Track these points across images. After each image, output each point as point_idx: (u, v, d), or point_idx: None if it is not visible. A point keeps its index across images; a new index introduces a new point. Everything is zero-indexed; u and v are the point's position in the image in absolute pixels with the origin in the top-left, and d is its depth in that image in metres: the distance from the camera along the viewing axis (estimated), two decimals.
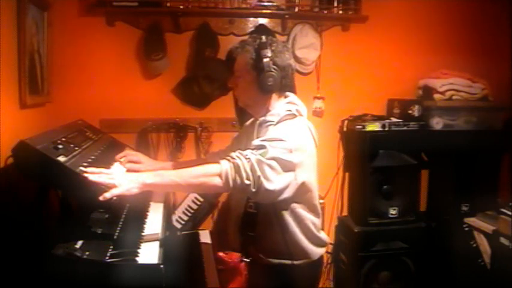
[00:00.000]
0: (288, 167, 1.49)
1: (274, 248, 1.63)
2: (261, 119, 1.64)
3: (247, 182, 1.43)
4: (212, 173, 1.45)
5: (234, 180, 1.43)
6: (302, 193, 1.59)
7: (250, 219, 1.62)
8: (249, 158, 1.44)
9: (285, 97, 1.69)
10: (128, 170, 1.68)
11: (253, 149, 1.48)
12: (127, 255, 1.24)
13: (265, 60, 1.55)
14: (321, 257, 1.73)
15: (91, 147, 1.71)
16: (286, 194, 1.52)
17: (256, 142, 1.51)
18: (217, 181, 1.44)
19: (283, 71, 1.60)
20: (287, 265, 1.62)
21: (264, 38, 1.60)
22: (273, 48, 1.58)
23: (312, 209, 1.66)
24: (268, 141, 1.48)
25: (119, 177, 1.39)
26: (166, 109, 2.75)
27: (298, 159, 1.51)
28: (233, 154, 1.48)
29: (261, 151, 1.46)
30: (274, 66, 1.57)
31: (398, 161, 2.64)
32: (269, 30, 2.78)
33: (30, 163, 1.30)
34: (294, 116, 1.62)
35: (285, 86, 1.64)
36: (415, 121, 2.70)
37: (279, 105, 1.64)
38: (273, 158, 1.45)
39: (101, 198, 1.30)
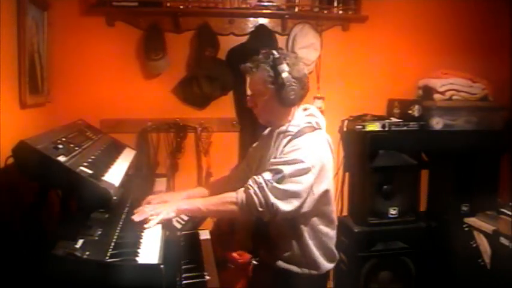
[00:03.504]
0: (306, 186, 1.52)
1: (285, 255, 1.65)
2: (281, 128, 1.65)
3: (260, 209, 1.50)
4: (229, 202, 1.55)
5: (249, 209, 1.51)
6: (320, 206, 1.62)
7: (263, 227, 1.65)
8: (262, 187, 1.49)
9: (305, 109, 1.71)
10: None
11: (270, 171, 1.52)
12: (127, 255, 1.24)
13: (284, 75, 1.56)
14: (328, 271, 1.74)
15: (91, 147, 1.71)
16: (305, 209, 1.56)
17: (274, 165, 1.54)
18: (235, 209, 1.54)
19: (301, 82, 1.61)
20: (294, 272, 1.65)
21: (276, 53, 1.61)
22: (287, 61, 1.59)
23: (329, 222, 1.68)
24: (286, 165, 1.51)
25: (158, 208, 1.56)
26: (166, 109, 2.75)
27: (315, 176, 1.54)
28: (249, 182, 1.53)
29: (277, 177, 1.50)
30: (293, 80, 1.58)
31: (398, 161, 2.64)
32: (269, 30, 2.78)
33: (30, 163, 1.30)
34: (314, 128, 1.63)
35: (303, 96, 1.66)
36: (415, 121, 2.70)
37: (299, 117, 1.67)
38: (290, 182, 1.50)
39: (146, 226, 1.46)
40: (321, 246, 1.66)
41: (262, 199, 1.48)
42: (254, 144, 1.91)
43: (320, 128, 1.67)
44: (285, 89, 1.56)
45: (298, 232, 1.62)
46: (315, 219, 1.63)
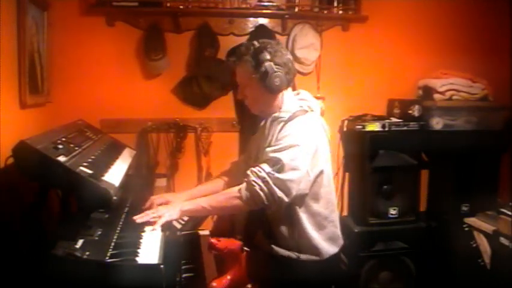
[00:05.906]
0: (303, 169, 1.54)
1: (283, 241, 1.64)
2: (273, 115, 1.66)
3: (266, 203, 1.52)
4: (233, 197, 1.56)
5: (255, 203, 1.53)
6: (315, 188, 1.62)
7: (258, 214, 1.64)
8: (267, 181, 1.50)
9: (297, 94, 1.73)
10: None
11: (268, 162, 1.52)
12: (127, 255, 1.24)
13: (266, 63, 1.57)
14: (334, 257, 1.69)
15: (91, 147, 1.71)
16: (301, 191, 1.56)
17: (270, 153, 1.54)
18: (240, 204, 1.55)
19: (285, 67, 1.62)
20: (294, 259, 1.63)
21: (256, 43, 1.63)
22: (268, 50, 1.60)
23: (327, 204, 1.67)
24: (281, 152, 1.52)
25: (161, 210, 1.57)
26: (166, 109, 2.75)
27: (311, 158, 1.56)
28: (252, 177, 1.53)
29: (277, 167, 1.51)
30: (277, 66, 1.59)
31: (398, 161, 2.64)
32: (269, 30, 2.78)
33: (30, 163, 1.30)
34: (305, 111, 1.64)
35: (290, 80, 1.67)
36: (415, 121, 2.70)
37: (290, 101, 1.67)
38: (291, 169, 1.51)
39: (150, 228, 1.47)
40: (320, 229, 1.64)
41: (268, 194, 1.50)
42: (253, 136, 1.91)
43: (312, 111, 1.68)
44: (269, 76, 1.58)
45: (295, 216, 1.61)
46: (311, 202, 1.62)
